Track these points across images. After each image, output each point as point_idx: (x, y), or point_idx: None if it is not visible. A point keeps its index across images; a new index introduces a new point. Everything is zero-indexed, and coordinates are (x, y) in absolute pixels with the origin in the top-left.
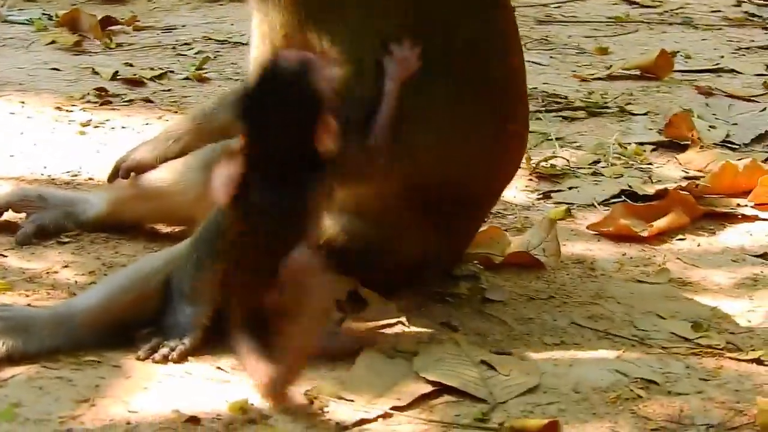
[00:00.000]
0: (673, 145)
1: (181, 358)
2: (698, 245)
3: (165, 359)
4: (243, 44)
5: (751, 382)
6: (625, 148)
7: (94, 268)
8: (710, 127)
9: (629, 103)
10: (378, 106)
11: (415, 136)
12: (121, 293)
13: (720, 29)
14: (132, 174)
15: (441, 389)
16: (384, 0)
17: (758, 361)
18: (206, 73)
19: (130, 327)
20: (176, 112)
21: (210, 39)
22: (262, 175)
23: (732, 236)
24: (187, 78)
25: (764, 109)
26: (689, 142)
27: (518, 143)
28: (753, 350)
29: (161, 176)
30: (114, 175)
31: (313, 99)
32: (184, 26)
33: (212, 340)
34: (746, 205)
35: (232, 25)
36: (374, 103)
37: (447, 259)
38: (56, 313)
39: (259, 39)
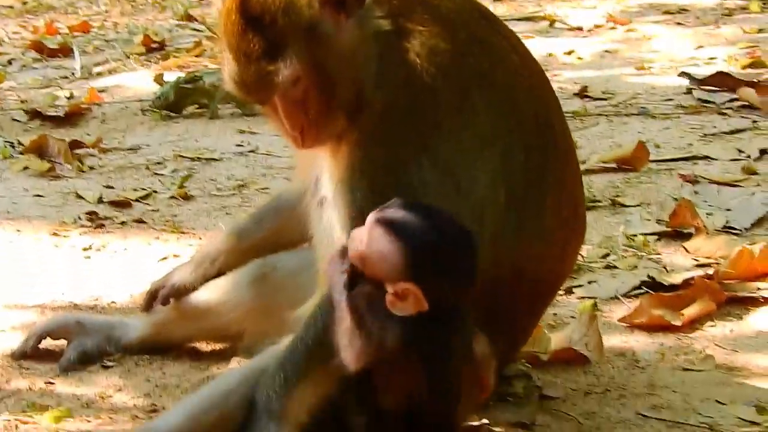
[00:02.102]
0: (677, 234)
1: None
2: (731, 330)
3: None
4: (215, 160)
5: None
6: (632, 240)
7: (148, 391)
8: (707, 214)
9: (618, 196)
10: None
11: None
12: (202, 413)
13: (678, 117)
14: (172, 300)
15: None
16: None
17: None
18: (189, 190)
19: None
20: (172, 231)
21: (181, 156)
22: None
23: (760, 319)
24: (172, 197)
25: (753, 193)
26: (693, 231)
27: (581, 240)
28: None
29: (207, 295)
30: (150, 301)
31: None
32: (149, 145)
33: None
34: (766, 288)
35: (197, 141)
36: None
37: (511, 356)
38: None
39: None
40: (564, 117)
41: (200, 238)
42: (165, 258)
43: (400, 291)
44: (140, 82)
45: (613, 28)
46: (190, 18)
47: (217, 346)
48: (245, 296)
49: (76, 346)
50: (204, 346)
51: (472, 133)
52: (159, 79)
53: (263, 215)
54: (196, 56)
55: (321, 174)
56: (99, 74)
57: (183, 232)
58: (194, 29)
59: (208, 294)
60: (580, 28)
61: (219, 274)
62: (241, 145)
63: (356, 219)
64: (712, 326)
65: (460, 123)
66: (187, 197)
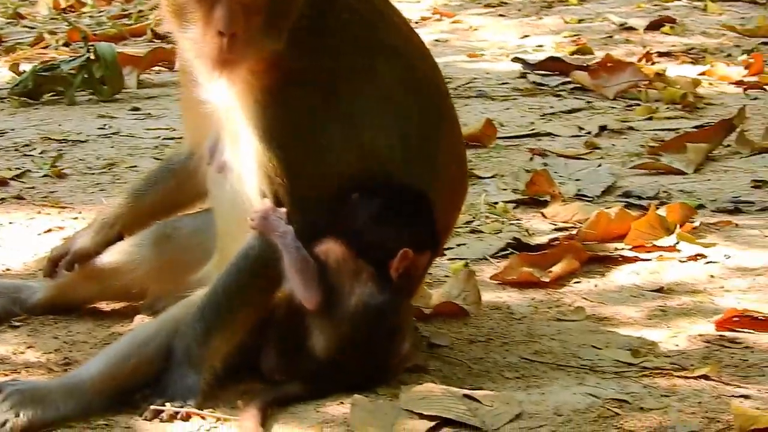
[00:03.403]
0: (534, 201)
1: (188, 418)
2: (595, 285)
3: (172, 418)
4: (82, 142)
5: (708, 394)
6: (493, 207)
7: (57, 346)
8: (560, 183)
9: (473, 169)
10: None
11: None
12: (123, 360)
13: (516, 99)
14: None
15: (440, 423)
16: None
17: (706, 377)
18: (62, 169)
19: (134, 391)
20: (52, 206)
21: (48, 139)
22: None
23: (621, 276)
24: (46, 175)
25: (599, 165)
26: (549, 198)
27: (464, 196)
28: (696, 368)
29: (109, 257)
30: (52, 267)
31: None
32: (13, 129)
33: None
34: (623, 249)
35: (60, 125)
36: None
37: None
38: (66, 382)
39: None
40: (446, 84)
41: (80, 212)
42: (49, 230)
43: None
44: None
45: (439, 20)
46: (20, 16)
47: (118, 306)
48: (147, 256)
49: None
50: (105, 306)
51: (375, 95)
52: (15, 68)
53: (157, 178)
54: (43, 49)
55: (219, 140)
56: None
57: (63, 207)
58: (26, 26)
59: (111, 256)
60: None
61: (118, 237)
62: (103, 128)
63: (269, 178)
64: (577, 282)
65: (362, 87)
66: (61, 175)
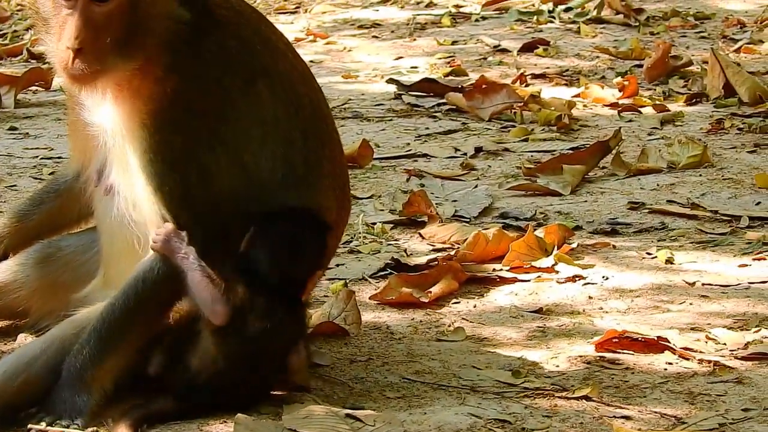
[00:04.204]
0: (412, 222)
1: None
2: (474, 306)
3: None
4: None
5: (590, 415)
6: (371, 228)
7: None
8: (437, 204)
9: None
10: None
11: None
12: (9, 379)
13: (391, 120)
14: None
15: None
16: None
17: (587, 398)
18: None
19: (19, 409)
20: None
21: None
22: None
23: (500, 297)
24: None
25: (476, 186)
26: (426, 219)
27: (347, 217)
28: (577, 389)
29: None
30: None
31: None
32: None
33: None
34: (501, 270)
35: None
36: None
37: None
38: None
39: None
40: (329, 106)
41: None
42: None
43: None
44: None
45: (313, 41)
46: None
47: (2, 324)
48: (31, 275)
49: None
50: None
51: (257, 119)
52: None
53: (42, 198)
54: None
55: (107, 163)
56: None
57: None
58: None
59: None
60: None
61: (3, 256)
62: None
63: (165, 201)
64: (456, 303)
65: (245, 110)
66: None
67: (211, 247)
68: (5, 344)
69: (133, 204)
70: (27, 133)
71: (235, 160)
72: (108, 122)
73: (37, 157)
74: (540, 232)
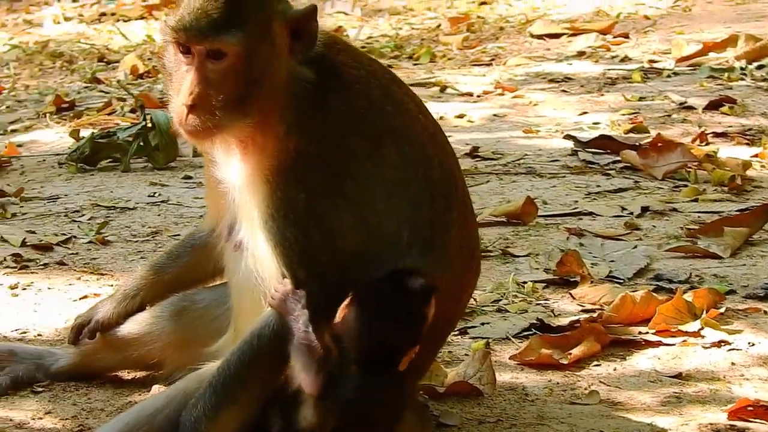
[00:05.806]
0: (564, 281)
1: None
2: (614, 369)
3: None
4: (130, 209)
5: None
6: (522, 286)
7: (75, 413)
8: (592, 264)
9: (508, 246)
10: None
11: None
12: (130, 431)
13: (564, 176)
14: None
15: None
16: None
17: None
18: (106, 236)
19: None
20: (92, 273)
21: (98, 206)
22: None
23: (641, 360)
24: (90, 242)
25: (635, 246)
26: (578, 279)
27: (476, 280)
28: None
29: (130, 327)
30: (76, 335)
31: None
32: (66, 195)
33: None
34: (647, 332)
35: (111, 192)
36: None
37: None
38: None
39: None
40: (461, 169)
41: (117, 280)
42: (85, 297)
43: None
44: (55, 137)
45: (501, 94)
46: (97, 80)
47: (139, 375)
48: (165, 328)
49: (9, 372)
50: (126, 375)
51: (383, 179)
52: (75, 134)
53: (178, 252)
54: (108, 114)
55: (236, 219)
56: (15, 131)
57: (102, 274)
58: (102, 91)
59: (131, 326)
60: (470, 94)
61: (140, 308)
62: (153, 196)
63: (285, 257)
64: (597, 365)
65: (371, 170)
66: (104, 242)
67: (330, 308)
68: (140, 394)
69: (258, 260)
70: (200, 183)
71: (359, 219)
72: (235, 178)
73: (205, 206)
74: (689, 296)
